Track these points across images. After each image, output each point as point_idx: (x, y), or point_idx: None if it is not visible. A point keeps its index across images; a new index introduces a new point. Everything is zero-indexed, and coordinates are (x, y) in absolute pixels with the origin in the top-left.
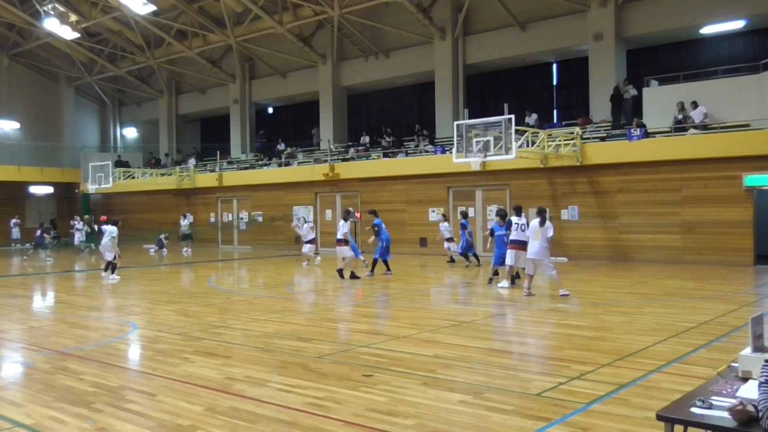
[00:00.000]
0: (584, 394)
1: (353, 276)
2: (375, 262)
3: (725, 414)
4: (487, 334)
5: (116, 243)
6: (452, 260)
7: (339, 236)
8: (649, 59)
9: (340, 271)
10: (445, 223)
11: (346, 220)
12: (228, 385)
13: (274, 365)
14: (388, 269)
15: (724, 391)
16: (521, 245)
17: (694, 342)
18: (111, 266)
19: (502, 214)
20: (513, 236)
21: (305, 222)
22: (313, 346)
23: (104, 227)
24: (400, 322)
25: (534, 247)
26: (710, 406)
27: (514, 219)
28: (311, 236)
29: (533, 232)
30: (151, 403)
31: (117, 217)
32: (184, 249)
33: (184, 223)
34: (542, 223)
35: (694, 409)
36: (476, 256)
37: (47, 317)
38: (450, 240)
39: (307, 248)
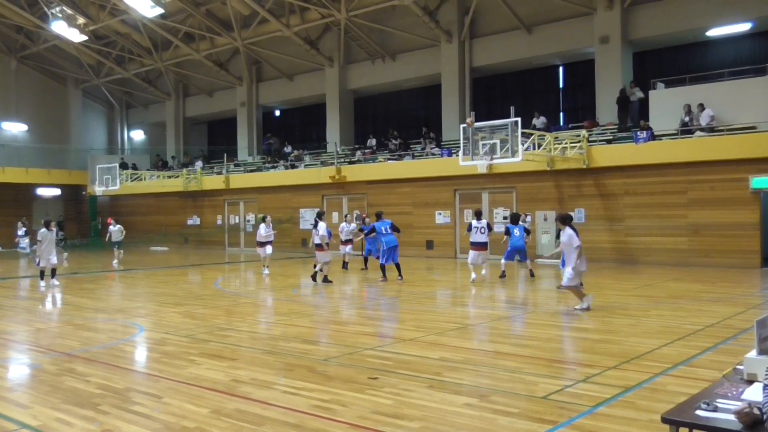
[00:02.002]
0: (590, 396)
1: (325, 280)
2: (382, 267)
3: (730, 417)
4: (493, 336)
5: (41, 247)
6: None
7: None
8: (656, 62)
9: (324, 277)
10: (344, 224)
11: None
12: (234, 388)
13: (280, 368)
14: (384, 276)
15: (729, 394)
16: (481, 246)
17: (700, 345)
18: (51, 271)
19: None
20: (473, 238)
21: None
22: (319, 349)
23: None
24: (406, 324)
25: None
26: (715, 409)
27: (474, 223)
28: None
29: None
30: (157, 405)
31: (49, 218)
32: (116, 258)
33: (114, 229)
34: None
35: (699, 412)
36: (365, 260)
37: (54, 319)
38: (348, 242)
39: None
